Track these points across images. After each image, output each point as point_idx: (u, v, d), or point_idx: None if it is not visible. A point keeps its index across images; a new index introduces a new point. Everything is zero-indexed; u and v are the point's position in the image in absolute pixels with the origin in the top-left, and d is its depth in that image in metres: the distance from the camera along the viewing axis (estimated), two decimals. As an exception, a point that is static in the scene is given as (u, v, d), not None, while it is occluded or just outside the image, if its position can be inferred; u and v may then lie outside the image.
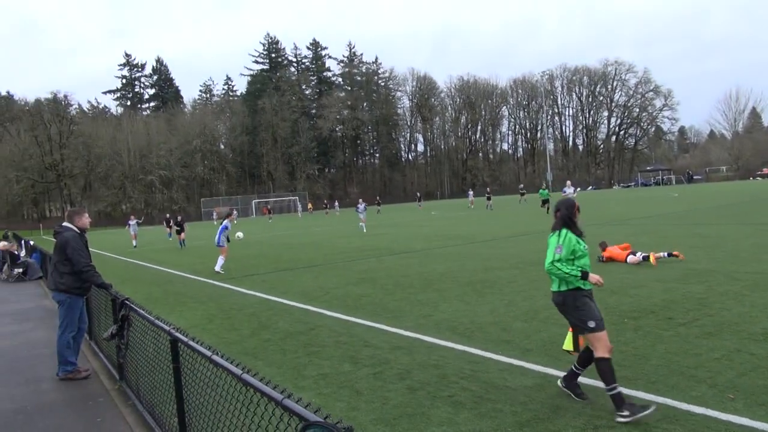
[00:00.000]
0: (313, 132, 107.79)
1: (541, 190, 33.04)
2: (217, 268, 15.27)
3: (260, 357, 6.62)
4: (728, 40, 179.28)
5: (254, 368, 5.88)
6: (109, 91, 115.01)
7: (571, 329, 4.76)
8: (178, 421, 3.88)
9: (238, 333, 7.96)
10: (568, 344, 4.77)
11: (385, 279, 11.87)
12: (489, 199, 45.10)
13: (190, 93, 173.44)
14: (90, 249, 6.62)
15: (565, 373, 4.78)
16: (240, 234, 15.78)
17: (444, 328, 7.27)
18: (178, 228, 27.54)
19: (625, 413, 4.10)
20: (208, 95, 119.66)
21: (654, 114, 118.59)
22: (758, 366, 5.05)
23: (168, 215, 37.85)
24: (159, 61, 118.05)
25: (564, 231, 4.70)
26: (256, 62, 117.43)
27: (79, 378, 6.35)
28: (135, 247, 28.57)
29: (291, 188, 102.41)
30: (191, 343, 3.46)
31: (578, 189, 26.93)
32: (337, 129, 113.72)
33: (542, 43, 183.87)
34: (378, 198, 66.55)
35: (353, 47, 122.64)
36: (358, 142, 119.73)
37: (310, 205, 78.14)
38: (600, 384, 4.87)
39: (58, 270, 6.37)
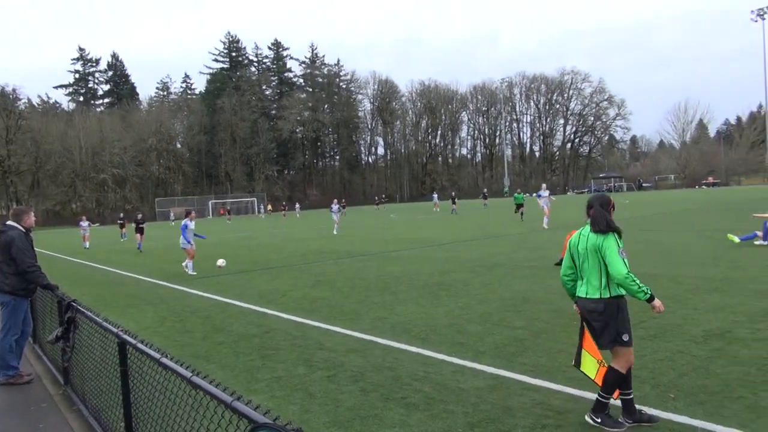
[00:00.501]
0: (273, 133, 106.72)
1: (516, 194, 30.92)
2: (189, 271, 14.81)
3: (213, 360, 6.52)
4: (678, 54, 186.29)
5: (206, 371, 5.80)
6: (61, 86, 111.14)
7: (586, 348, 4.32)
8: (125, 425, 3.79)
9: (191, 336, 7.82)
10: (591, 370, 4.31)
11: (342, 282, 11.86)
12: (454, 202, 45.55)
13: (146, 90, 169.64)
14: (37, 249, 6.40)
15: (624, 410, 4.20)
16: (221, 262, 14.65)
17: (399, 331, 7.32)
18: (138, 228, 25.11)
19: (598, 420, 4.10)
20: (165, 93, 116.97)
21: (607, 123, 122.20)
22: (698, 367, 5.27)
23: (122, 215, 36.57)
24: (114, 56, 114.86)
25: (614, 234, 4.13)
26: (216, 61, 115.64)
27: (20, 383, 6.12)
28: (86, 248, 27.69)
29: (249, 189, 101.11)
30: (140, 345, 3.39)
31: (551, 195, 26.23)
32: (297, 130, 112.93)
33: (501, 50, 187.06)
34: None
35: (315, 49, 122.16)
36: (319, 144, 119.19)
37: (269, 207, 77.26)
38: (553, 386, 5.00)
39: (2, 270, 6.13)
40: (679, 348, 5.81)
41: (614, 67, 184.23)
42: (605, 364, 4.25)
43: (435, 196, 56.65)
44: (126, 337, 3.67)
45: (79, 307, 5.12)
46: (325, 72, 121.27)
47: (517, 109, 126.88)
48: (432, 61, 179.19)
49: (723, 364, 5.29)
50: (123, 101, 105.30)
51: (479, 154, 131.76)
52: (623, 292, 4.12)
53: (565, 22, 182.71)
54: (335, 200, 31.36)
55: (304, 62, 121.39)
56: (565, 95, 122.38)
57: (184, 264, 15.22)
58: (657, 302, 4.05)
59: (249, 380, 5.68)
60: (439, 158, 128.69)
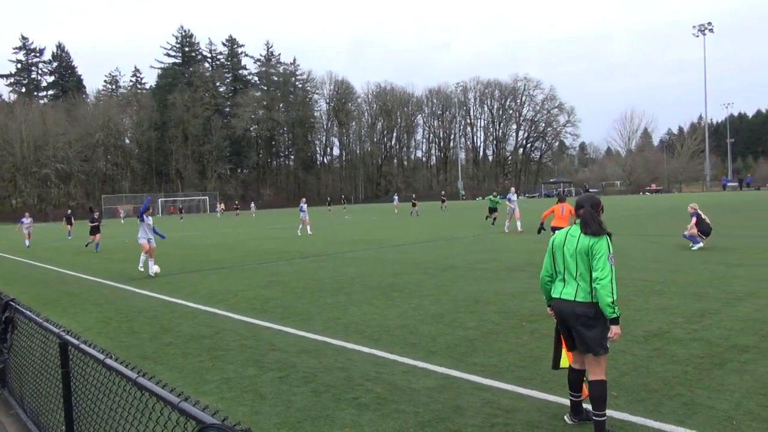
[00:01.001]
0: (226, 131, 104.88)
1: (491, 198, 27.18)
2: (151, 272, 13.78)
3: (161, 361, 6.36)
4: (625, 65, 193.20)
5: (154, 373, 5.65)
6: (2, 76, 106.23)
7: (565, 347, 4.33)
8: (66, 429, 3.66)
9: (138, 337, 7.61)
10: (565, 361, 4.40)
11: (295, 282, 11.76)
12: (414, 205, 45.82)
13: (93, 83, 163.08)
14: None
15: (572, 409, 4.28)
16: (155, 268, 14.00)
17: (352, 331, 7.31)
18: (94, 227, 22.98)
19: None
20: (113, 86, 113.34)
21: (558, 129, 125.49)
22: (639, 366, 5.47)
23: (69, 212, 34.92)
24: (60, 46, 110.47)
25: (607, 237, 4.06)
26: (168, 55, 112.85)
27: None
28: (28, 246, 26.53)
29: (201, 188, 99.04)
30: (82, 346, 3.28)
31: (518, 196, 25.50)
32: (251, 129, 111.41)
33: (457, 55, 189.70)
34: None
35: (271, 47, 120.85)
36: (273, 143, 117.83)
37: (221, 206, 75.74)
38: (502, 385, 5.10)
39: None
40: (621, 348, 6.02)
41: (565, 76, 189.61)
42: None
43: (396, 197, 56.79)
44: (68, 337, 3.54)
45: (17, 307, 4.91)
46: (281, 71, 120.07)
47: (472, 114, 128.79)
48: (388, 64, 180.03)
49: (662, 363, 5.51)
50: (68, 94, 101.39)
51: (434, 157, 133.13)
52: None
53: (519, 29, 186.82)
54: (303, 199, 29.93)
55: (259, 60, 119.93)
56: (518, 101, 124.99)
57: (141, 262, 14.49)
58: (617, 329, 4.00)
59: (198, 382, 5.57)
60: (395, 160, 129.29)
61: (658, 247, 15.27)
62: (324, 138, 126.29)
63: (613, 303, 3.90)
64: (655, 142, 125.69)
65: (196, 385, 5.45)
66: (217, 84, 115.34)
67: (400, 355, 6.17)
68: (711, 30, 78.47)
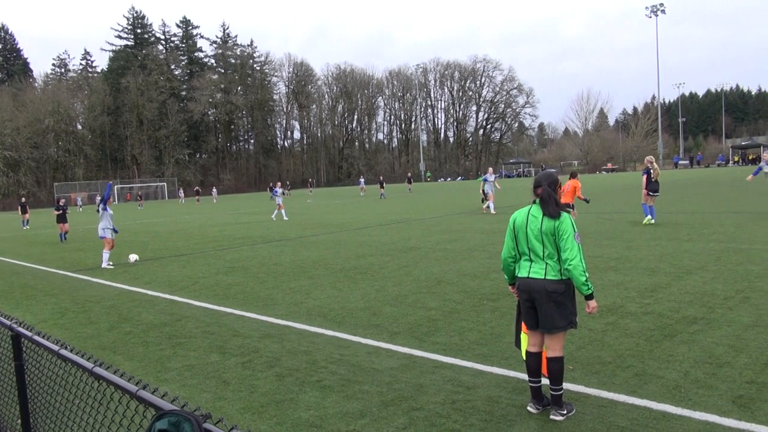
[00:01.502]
0: (183, 115, 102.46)
1: (482, 177, 23.34)
2: (105, 263, 13.07)
3: (120, 351, 6.26)
4: (582, 46, 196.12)
5: (113, 363, 5.57)
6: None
7: (526, 330, 4.32)
8: (22, 422, 3.58)
9: (96, 327, 7.45)
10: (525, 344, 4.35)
11: (257, 267, 11.68)
12: (382, 187, 45.75)
13: (41, 67, 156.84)
14: None
15: (534, 397, 4.19)
16: (134, 256, 13.50)
17: (315, 315, 7.33)
18: (60, 215, 21.59)
19: (564, 412, 4.01)
20: (62, 70, 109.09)
21: (517, 110, 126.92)
22: (594, 340, 5.66)
23: (24, 200, 33.62)
24: (3, 29, 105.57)
25: (569, 217, 4.09)
26: (119, 37, 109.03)
27: None
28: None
29: (158, 174, 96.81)
30: (36, 338, 3.20)
31: (495, 176, 23.14)
32: (209, 112, 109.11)
33: (416, 36, 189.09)
34: (271, 184, 64.19)
35: (227, 28, 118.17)
36: (232, 127, 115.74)
37: (181, 192, 74.03)
38: (463, 363, 5.21)
39: None
40: (578, 323, 6.19)
41: (523, 57, 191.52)
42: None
43: (362, 180, 56.47)
44: (20, 329, 3.45)
45: (-34, 300, 4.75)
46: (238, 53, 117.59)
47: (432, 95, 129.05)
48: (347, 45, 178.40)
49: (616, 337, 5.71)
50: (14, 78, 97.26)
51: (395, 139, 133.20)
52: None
53: (478, 10, 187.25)
54: (279, 183, 29.17)
55: (215, 42, 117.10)
56: (478, 83, 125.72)
57: (104, 260, 13.24)
58: (594, 303, 4.12)
59: (159, 370, 5.52)
60: (356, 143, 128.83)
61: (613, 224, 15.72)
62: (284, 121, 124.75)
63: (587, 280, 4.01)
64: (611, 122, 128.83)
65: (157, 374, 5.40)
66: (173, 67, 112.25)
67: (364, 336, 6.23)
68: (663, 11, 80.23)
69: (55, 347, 2.96)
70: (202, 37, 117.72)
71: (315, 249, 14.13)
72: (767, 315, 6.11)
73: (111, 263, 13.24)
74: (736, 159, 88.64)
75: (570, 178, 15.24)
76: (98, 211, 13.34)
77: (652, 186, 15.40)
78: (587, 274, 4.02)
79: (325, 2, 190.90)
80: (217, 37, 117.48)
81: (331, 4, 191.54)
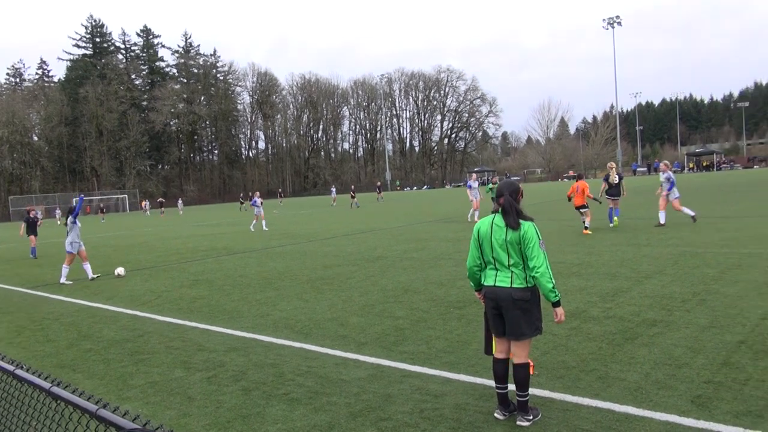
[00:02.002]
0: (144, 125, 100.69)
1: (489, 186, 22.50)
2: (92, 275, 12.83)
3: (80, 369, 6.08)
4: (543, 56, 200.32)
5: (72, 382, 5.42)
6: None
7: (494, 337, 4.32)
8: (-25, 447, 3.44)
9: (54, 345, 7.22)
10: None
11: (222, 280, 11.52)
12: (353, 197, 45.72)
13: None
14: None
15: (501, 403, 4.22)
16: (120, 270, 13.14)
17: (282, 327, 7.27)
18: (30, 227, 20.17)
19: (530, 417, 4.04)
20: (17, 80, 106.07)
21: (481, 119, 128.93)
22: (559, 345, 5.76)
23: None
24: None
25: (534, 225, 4.14)
26: (77, 46, 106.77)
27: None
28: None
29: (119, 185, 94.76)
30: (-10, 358, 3.08)
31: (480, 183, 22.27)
32: (171, 123, 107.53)
33: (380, 45, 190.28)
34: (250, 193, 63.61)
35: (189, 38, 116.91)
36: (195, 137, 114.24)
37: (145, 203, 72.21)
38: (430, 371, 5.23)
39: None
40: (543, 329, 6.29)
41: (486, 67, 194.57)
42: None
43: (333, 190, 56.17)
44: (-26, 350, 3.33)
45: None
46: (201, 62, 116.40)
47: (397, 105, 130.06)
48: (312, 53, 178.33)
49: (579, 341, 5.82)
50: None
51: (361, 149, 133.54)
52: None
53: (441, 21, 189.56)
54: (257, 193, 28.66)
55: (177, 52, 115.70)
56: (442, 92, 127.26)
57: (63, 275, 12.77)
58: (561, 310, 4.16)
59: (121, 387, 5.37)
60: (322, 153, 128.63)
61: (574, 230, 16.04)
62: (248, 131, 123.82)
63: (554, 287, 4.04)
64: (572, 130, 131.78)
65: (119, 392, 5.26)
66: (133, 77, 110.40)
67: (331, 347, 6.20)
68: (619, 23, 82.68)
69: (11, 367, 2.86)
70: (163, 46, 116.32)
71: (281, 260, 14.01)
72: (722, 316, 6.32)
73: (69, 280, 12.81)
74: (691, 166, 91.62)
75: (576, 181, 15.89)
76: (66, 224, 12.87)
77: (610, 191, 16.60)
78: (554, 281, 4.06)
79: (289, 13, 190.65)
80: (179, 46, 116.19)
81: (294, 15, 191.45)
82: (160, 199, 66.38)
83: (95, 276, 12.98)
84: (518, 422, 4.05)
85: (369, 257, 13.30)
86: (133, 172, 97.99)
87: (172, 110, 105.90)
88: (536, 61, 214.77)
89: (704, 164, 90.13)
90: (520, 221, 4.10)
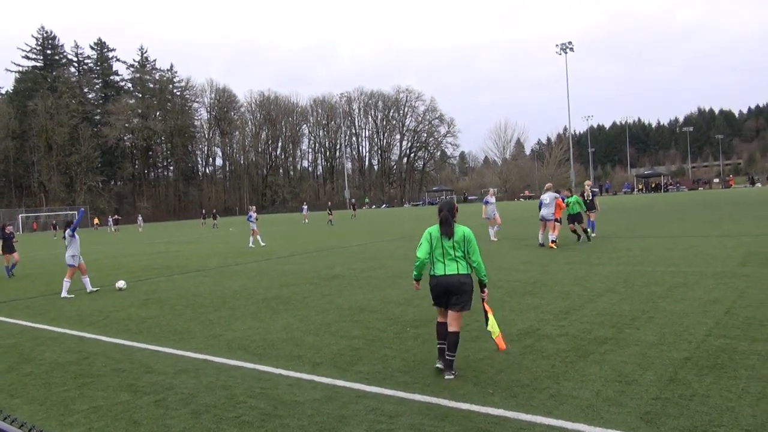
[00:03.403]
0: (97, 140, 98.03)
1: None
2: (90, 288, 12.87)
3: (18, 394, 5.78)
4: (500, 78, 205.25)
5: (10, 408, 5.17)
6: None
7: (491, 312, 5.69)
8: None
9: (-9, 368, 6.85)
10: (495, 327, 5.61)
11: (175, 299, 11.21)
12: (330, 213, 45.34)
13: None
14: None
15: (440, 356, 5.61)
16: (122, 283, 13.05)
17: (235, 347, 7.10)
18: (7, 245, 18.42)
19: (454, 371, 5.41)
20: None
21: (439, 139, 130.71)
22: (513, 363, 5.80)
23: None
24: None
25: (470, 230, 5.60)
26: (27, 58, 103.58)
27: None
28: None
29: (69, 201, 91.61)
30: None
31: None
32: (125, 138, 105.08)
33: (340, 65, 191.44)
34: (214, 210, 62.43)
35: (145, 52, 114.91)
36: (150, 153, 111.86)
37: (95, 221, 69.82)
38: (386, 391, 5.19)
39: None
40: (497, 347, 6.34)
41: (445, 88, 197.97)
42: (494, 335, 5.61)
43: (304, 207, 55.30)
44: None
45: None
46: (157, 77, 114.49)
47: (357, 124, 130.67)
48: (272, 70, 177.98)
49: (533, 359, 5.88)
50: None
51: (320, 167, 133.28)
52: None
53: (401, 42, 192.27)
54: (253, 208, 27.60)
55: (132, 65, 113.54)
56: (401, 112, 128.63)
57: (65, 290, 12.53)
58: (486, 290, 5.73)
59: (63, 413, 5.13)
60: (280, 170, 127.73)
61: (529, 249, 16.32)
62: (206, 148, 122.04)
63: (485, 273, 5.64)
64: (527, 151, 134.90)
65: (60, 417, 5.02)
66: (86, 90, 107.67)
67: (285, 368, 6.08)
68: (572, 49, 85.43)
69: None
70: (118, 60, 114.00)
71: (237, 279, 13.75)
72: (669, 333, 6.50)
73: (71, 294, 12.62)
74: (640, 187, 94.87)
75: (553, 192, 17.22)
76: (64, 237, 12.83)
77: (586, 206, 18.51)
78: (485, 269, 5.63)
79: (248, 30, 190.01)
80: (134, 60, 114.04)
81: (254, 32, 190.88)
82: (116, 216, 64.23)
83: (95, 289, 12.92)
84: (446, 376, 5.37)
85: (326, 276, 13.19)
86: (83, 188, 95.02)
87: (127, 125, 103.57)
88: (494, 83, 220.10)
89: (653, 185, 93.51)
90: (457, 228, 5.56)
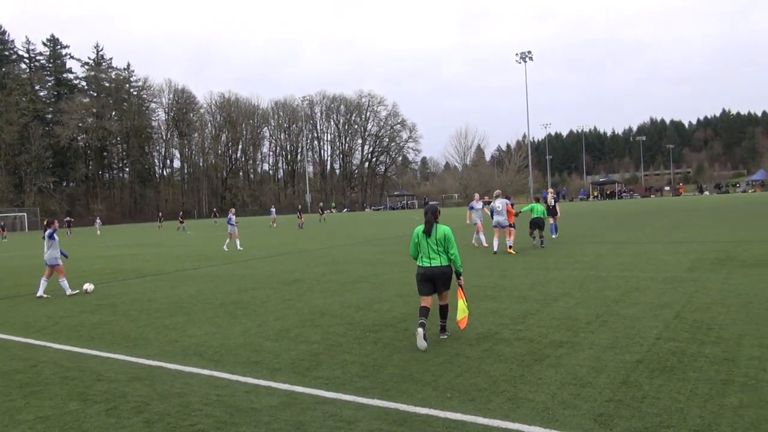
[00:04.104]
0: (48, 139, 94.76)
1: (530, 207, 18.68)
2: (68, 291, 12.50)
3: (-41, 404, 5.50)
4: (461, 85, 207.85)
5: (-53, 419, 4.91)
6: None
7: (462, 298, 6.79)
8: None
9: (-70, 378, 6.51)
10: (465, 309, 6.77)
11: (129, 304, 10.91)
12: (300, 217, 44.90)
13: None
14: None
15: (420, 326, 6.54)
16: (89, 286, 12.86)
17: (191, 354, 6.95)
18: None
19: (447, 333, 7.07)
20: None
21: (401, 144, 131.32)
22: (471, 367, 5.85)
23: None
24: None
25: (450, 229, 6.89)
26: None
27: None
28: None
29: (17, 203, 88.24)
30: None
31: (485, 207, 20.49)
32: (78, 138, 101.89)
33: (302, 67, 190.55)
34: (180, 213, 61.51)
35: (101, 50, 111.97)
36: (105, 154, 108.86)
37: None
38: (345, 397, 5.16)
39: None
40: (456, 351, 6.40)
41: (407, 93, 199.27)
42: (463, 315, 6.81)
43: (273, 210, 54.49)
44: None
45: None
46: (113, 76, 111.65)
47: (318, 128, 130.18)
48: (233, 72, 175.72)
49: (491, 363, 5.95)
50: None
51: (281, 170, 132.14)
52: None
53: (363, 46, 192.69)
54: (232, 210, 26.84)
55: (87, 63, 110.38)
56: (363, 116, 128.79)
57: (67, 288, 12.52)
58: (462, 278, 7.02)
59: (7, 424, 4.91)
60: (240, 173, 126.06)
61: (488, 254, 16.53)
62: (163, 149, 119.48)
63: (461, 264, 6.98)
64: (488, 157, 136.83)
65: (4, 428, 4.80)
66: (37, 88, 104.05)
67: (243, 375, 5.98)
68: (531, 58, 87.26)
69: None
70: (72, 57, 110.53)
71: (193, 283, 13.48)
72: (622, 337, 6.67)
73: (47, 294, 12.54)
74: (596, 194, 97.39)
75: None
76: (44, 238, 12.80)
77: (549, 211, 19.97)
78: (460, 260, 6.98)
79: (209, 30, 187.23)
80: (89, 58, 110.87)
81: (214, 33, 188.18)
82: (68, 218, 61.97)
83: (74, 292, 12.56)
84: (441, 336, 6.99)
85: (286, 280, 13.06)
86: (33, 189, 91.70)
87: (80, 124, 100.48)
88: (456, 90, 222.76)
89: (607, 192, 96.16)
90: (438, 227, 6.83)
